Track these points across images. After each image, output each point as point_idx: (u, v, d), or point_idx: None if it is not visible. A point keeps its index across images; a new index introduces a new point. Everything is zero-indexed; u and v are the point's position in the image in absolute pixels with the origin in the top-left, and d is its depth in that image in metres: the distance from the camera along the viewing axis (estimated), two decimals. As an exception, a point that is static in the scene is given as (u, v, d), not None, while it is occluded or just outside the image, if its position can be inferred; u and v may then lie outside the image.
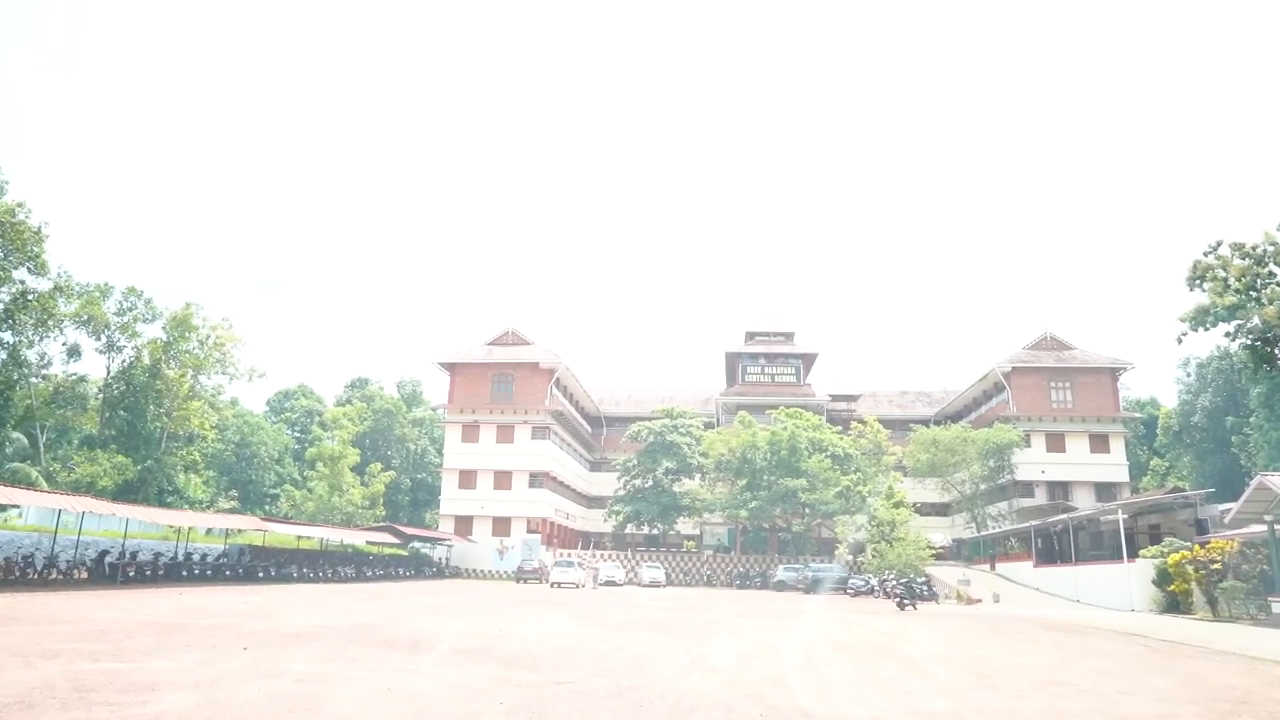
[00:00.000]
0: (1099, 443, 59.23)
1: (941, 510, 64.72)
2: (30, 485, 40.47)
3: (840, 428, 60.85)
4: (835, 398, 71.48)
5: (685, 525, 63.63)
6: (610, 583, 48.42)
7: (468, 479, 61.78)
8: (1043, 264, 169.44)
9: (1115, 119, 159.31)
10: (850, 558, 52.21)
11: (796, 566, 49.44)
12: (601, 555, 59.43)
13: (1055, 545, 42.16)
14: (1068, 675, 11.64)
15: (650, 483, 60.16)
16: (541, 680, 9.38)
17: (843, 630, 19.57)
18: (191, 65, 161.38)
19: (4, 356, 52.81)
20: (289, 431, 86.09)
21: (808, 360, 71.32)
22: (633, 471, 60.62)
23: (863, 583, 42.24)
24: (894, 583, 37.78)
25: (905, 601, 29.40)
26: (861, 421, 62.20)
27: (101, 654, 10.31)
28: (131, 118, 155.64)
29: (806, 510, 53.74)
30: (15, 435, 53.02)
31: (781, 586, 47.79)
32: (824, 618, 24.33)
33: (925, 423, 65.65)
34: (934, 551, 47.65)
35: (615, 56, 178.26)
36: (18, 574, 25.98)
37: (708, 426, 64.44)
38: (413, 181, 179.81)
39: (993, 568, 49.48)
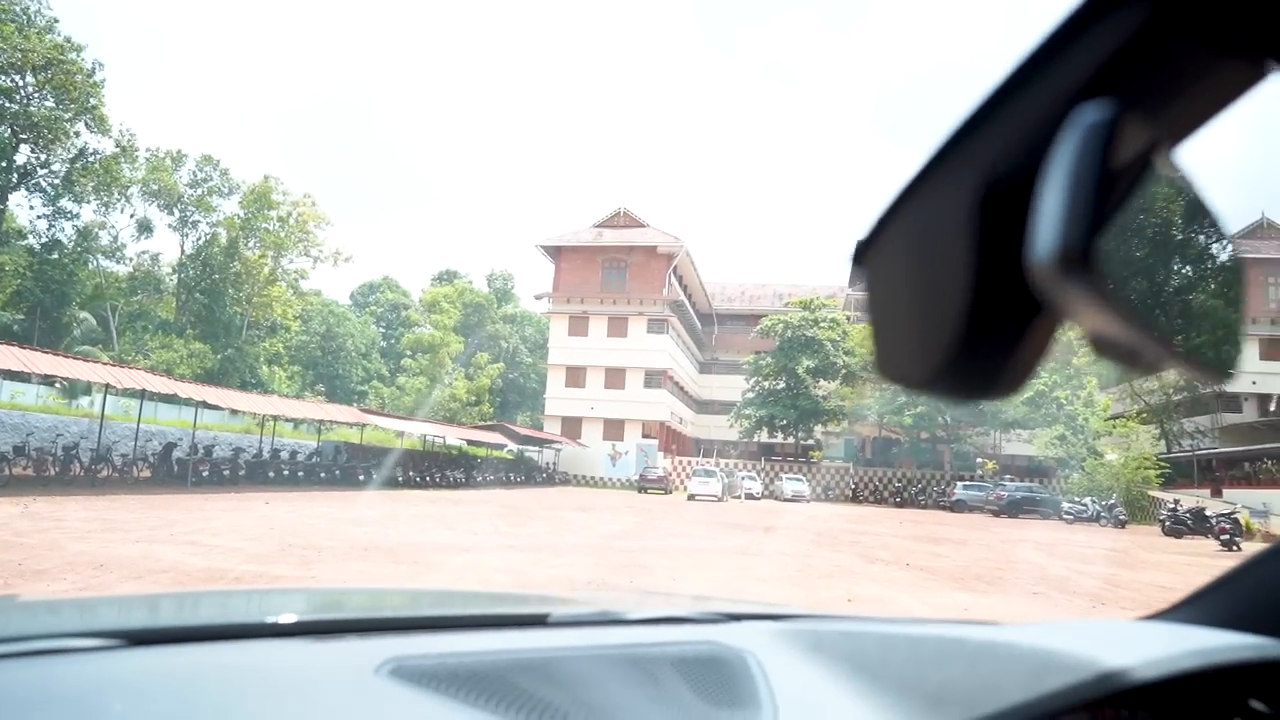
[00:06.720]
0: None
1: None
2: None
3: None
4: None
5: (820, 434, 56.25)
6: (750, 496, 42.22)
7: (575, 376, 54.61)
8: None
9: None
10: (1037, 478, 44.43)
11: (982, 484, 41.49)
12: (728, 465, 52.41)
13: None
14: None
15: (782, 384, 52.53)
16: None
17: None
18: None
19: (70, 229, 47.51)
20: (375, 325, 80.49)
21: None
22: (764, 371, 52.86)
23: (1083, 507, 34.22)
24: (1182, 512, 27.10)
25: (1235, 540, 21.22)
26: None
27: None
28: None
29: (958, 420, 45.84)
30: (84, 315, 47.69)
31: (960, 507, 40.10)
32: (1145, 563, 16.38)
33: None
34: (1160, 472, 38.85)
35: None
36: (54, 471, 19.49)
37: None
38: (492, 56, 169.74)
39: (1217, 494, 40.63)
